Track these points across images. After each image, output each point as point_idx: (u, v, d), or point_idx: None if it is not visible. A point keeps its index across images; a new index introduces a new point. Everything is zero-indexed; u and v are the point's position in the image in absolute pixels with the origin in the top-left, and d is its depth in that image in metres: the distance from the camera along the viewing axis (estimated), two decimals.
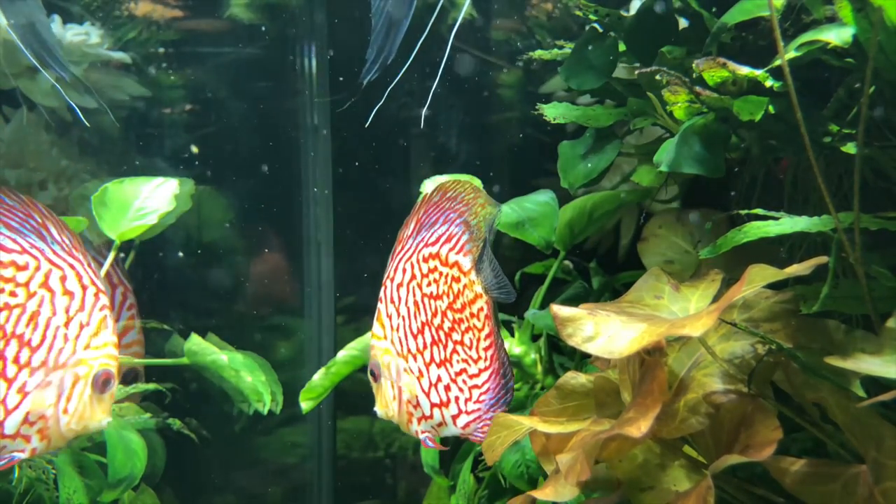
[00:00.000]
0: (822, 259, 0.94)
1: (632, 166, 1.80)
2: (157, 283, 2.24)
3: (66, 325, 1.36)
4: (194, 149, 2.23)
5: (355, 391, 2.38)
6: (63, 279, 1.38)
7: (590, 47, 1.43)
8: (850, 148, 1.16)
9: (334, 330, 2.32)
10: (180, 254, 2.26)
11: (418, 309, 1.40)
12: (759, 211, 1.09)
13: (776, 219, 1.05)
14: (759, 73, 1.04)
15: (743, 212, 1.13)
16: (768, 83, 1.05)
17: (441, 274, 1.40)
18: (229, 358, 1.80)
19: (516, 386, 1.79)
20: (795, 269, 0.93)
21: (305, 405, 1.78)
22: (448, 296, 1.39)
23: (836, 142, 1.17)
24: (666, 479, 0.98)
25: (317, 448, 2.34)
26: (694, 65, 1.06)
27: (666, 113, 1.22)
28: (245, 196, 2.28)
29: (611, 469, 1.01)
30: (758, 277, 0.91)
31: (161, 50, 2.20)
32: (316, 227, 2.28)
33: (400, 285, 1.42)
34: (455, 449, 1.84)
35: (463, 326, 1.38)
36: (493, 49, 2.27)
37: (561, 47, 1.65)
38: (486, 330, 1.39)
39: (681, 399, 0.97)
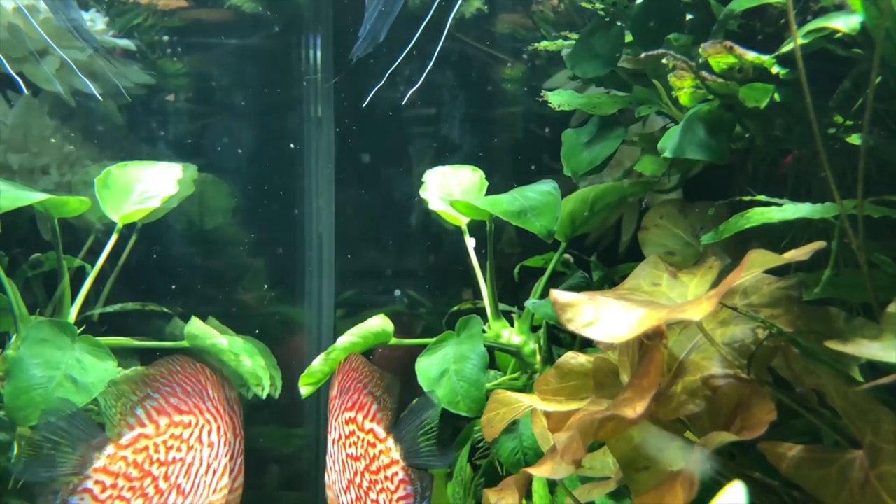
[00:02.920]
0: (821, 244, 0.94)
1: (635, 162, 1.80)
2: (158, 268, 2.24)
3: (206, 472, 1.55)
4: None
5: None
6: (209, 432, 1.58)
7: (595, 36, 1.43)
8: (855, 139, 1.16)
9: (334, 321, 2.32)
10: (181, 241, 2.27)
11: (345, 467, 1.53)
12: (762, 197, 1.10)
13: (779, 205, 1.05)
14: (766, 58, 1.04)
15: (746, 198, 1.13)
16: (774, 70, 1.05)
17: (358, 438, 1.54)
18: (229, 342, 1.80)
19: (515, 375, 1.80)
20: (795, 254, 0.93)
21: (305, 390, 1.78)
22: (365, 458, 1.53)
23: (840, 133, 1.18)
24: (662, 460, 0.98)
25: (314, 438, 2.35)
26: (700, 49, 1.06)
27: (671, 101, 1.22)
28: (247, 186, 2.28)
29: (608, 449, 1.02)
30: (757, 262, 0.92)
31: (165, 38, 2.20)
32: (317, 218, 2.29)
33: (334, 441, 1.55)
34: (453, 437, 1.84)
35: (378, 487, 1.52)
36: (498, 43, 2.28)
37: (566, 38, 1.65)
38: (400, 493, 1.54)
39: (679, 382, 0.97)
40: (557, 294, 0.91)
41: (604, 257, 1.98)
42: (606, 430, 0.91)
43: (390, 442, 1.57)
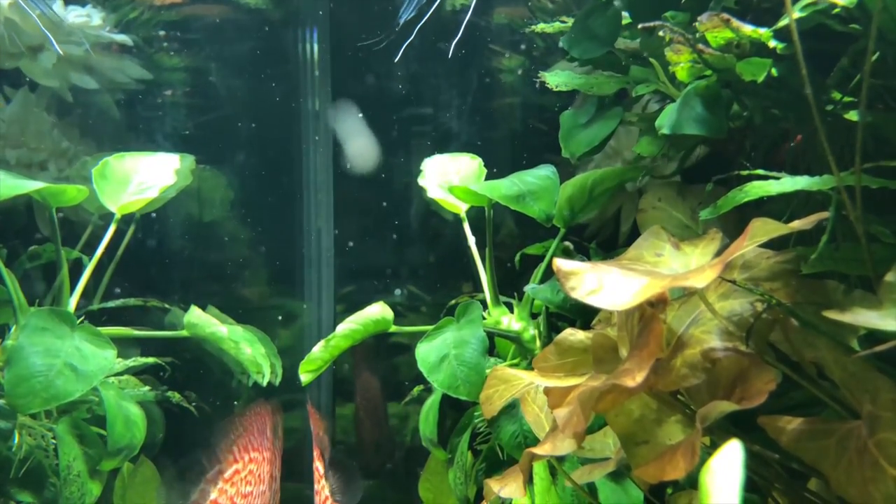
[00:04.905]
0: (825, 214, 0.95)
1: (633, 154, 1.80)
2: (156, 260, 2.25)
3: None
4: None
5: (353, 379, 2.39)
6: (266, 468, 1.70)
7: (593, 17, 1.43)
8: (853, 115, 1.16)
9: (334, 316, 2.32)
10: (179, 234, 2.27)
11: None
12: (760, 171, 1.10)
13: (777, 179, 1.06)
14: (763, 31, 1.04)
15: (744, 172, 1.13)
16: (772, 44, 1.05)
17: (317, 476, 1.67)
18: (229, 330, 1.81)
19: (515, 361, 1.80)
20: (798, 224, 0.93)
21: (305, 377, 1.78)
22: (319, 494, 1.65)
23: (838, 109, 1.18)
24: (661, 434, 0.98)
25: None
26: (697, 22, 1.07)
27: (668, 79, 1.22)
28: (245, 181, 2.28)
29: (609, 423, 1.02)
30: (761, 232, 0.92)
31: (162, 32, 2.20)
32: (316, 212, 2.29)
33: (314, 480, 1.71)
34: (453, 423, 1.84)
35: None
36: (496, 33, 2.28)
37: (564, 22, 1.66)
38: None
39: (679, 356, 0.97)
40: (560, 262, 0.91)
41: (603, 247, 1.98)
42: (606, 401, 0.91)
43: (324, 480, 1.69)
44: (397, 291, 2.35)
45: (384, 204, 2.35)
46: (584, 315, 1.62)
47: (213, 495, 1.60)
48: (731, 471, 0.59)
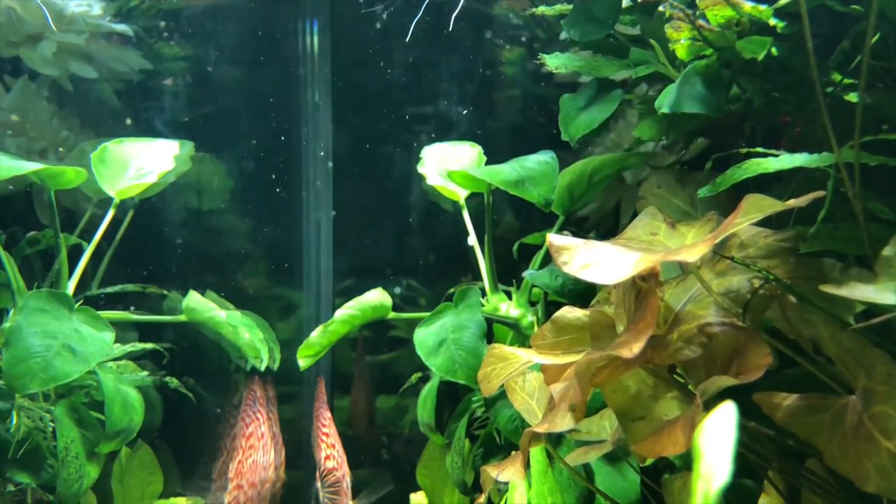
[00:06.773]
0: (820, 193, 0.94)
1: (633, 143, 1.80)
2: (155, 246, 2.25)
3: (265, 467, 1.88)
4: None
5: (353, 373, 2.39)
6: (265, 428, 1.90)
7: None
8: (852, 97, 1.17)
9: (332, 308, 2.32)
10: (178, 223, 2.27)
11: None
12: (759, 149, 1.10)
13: (776, 156, 1.06)
14: (763, 8, 1.04)
15: (743, 150, 1.13)
16: (772, 22, 1.05)
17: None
18: (227, 315, 1.81)
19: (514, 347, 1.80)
20: (793, 202, 0.93)
21: (303, 362, 1.78)
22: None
23: (838, 91, 1.18)
24: (658, 410, 0.98)
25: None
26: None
27: (668, 60, 1.22)
28: (245, 171, 2.28)
29: (606, 399, 1.02)
30: (754, 208, 0.91)
31: (162, 22, 2.20)
32: (316, 203, 2.29)
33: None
34: (451, 409, 1.84)
35: None
36: (495, 24, 2.28)
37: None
38: None
39: (675, 330, 0.97)
40: (553, 237, 0.91)
41: (602, 240, 1.98)
42: (603, 374, 0.91)
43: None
44: (396, 289, 2.35)
45: (384, 195, 2.35)
46: (582, 301, 1.62)
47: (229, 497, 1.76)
48: (725, 430, 0.59)
